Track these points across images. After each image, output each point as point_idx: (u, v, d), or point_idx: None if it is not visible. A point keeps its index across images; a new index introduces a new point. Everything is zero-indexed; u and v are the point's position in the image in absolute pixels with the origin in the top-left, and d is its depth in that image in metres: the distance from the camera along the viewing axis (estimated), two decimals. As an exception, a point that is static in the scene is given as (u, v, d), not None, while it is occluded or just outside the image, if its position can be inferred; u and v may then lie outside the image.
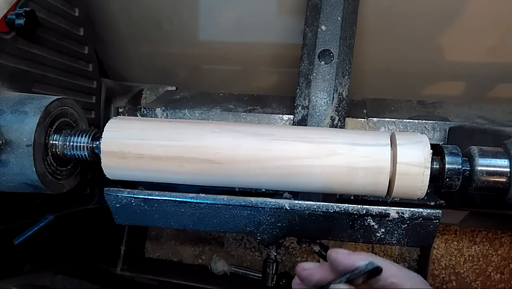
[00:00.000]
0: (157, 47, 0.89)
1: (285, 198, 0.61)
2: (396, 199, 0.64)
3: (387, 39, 0.78)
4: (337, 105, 0.64)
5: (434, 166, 0.48)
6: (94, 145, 0.52)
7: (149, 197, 0.52)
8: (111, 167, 0.51)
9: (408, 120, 0.68)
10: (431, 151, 0.47)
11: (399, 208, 0.49)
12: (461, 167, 0.47)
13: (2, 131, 0.47)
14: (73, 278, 0.91)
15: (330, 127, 0.64)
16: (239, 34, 0.83)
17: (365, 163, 0.47)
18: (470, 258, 1.07)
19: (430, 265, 1.07)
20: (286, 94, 0.79)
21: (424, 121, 0.68)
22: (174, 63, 0.92)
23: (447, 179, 0.48)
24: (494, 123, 0.67)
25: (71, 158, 0.53)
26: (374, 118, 0.69)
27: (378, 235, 0.51)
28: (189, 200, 0.52)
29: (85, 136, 0.52)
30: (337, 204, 0.51)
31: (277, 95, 0.81)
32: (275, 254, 0.75)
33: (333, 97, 0.64)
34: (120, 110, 0.77)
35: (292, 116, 0.69)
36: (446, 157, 0.48)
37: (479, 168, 0.47)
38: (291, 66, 0.78)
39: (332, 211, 0.50)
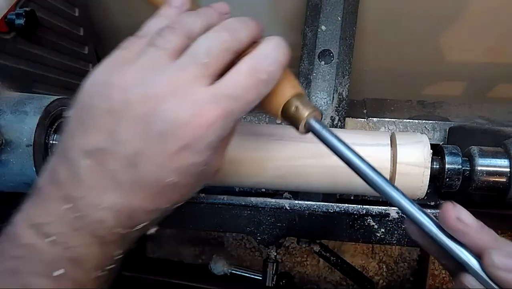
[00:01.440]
0: (157, 47, 0.89)
1: (285, 198, 0.61)
2: (396, 199, 0.64)
3: (387, 39, 0.78)
4: (337, 105, 0.64)
5: (434, 166, 0.48)
6: (94, 145, 0.52)
7: (149, 197, 0.52)
8: (111, 167, 0.51)
9: (408, 120, 0.68)
10: (431, 151, 0.47)
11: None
12: (461, 167, 0.47)
13: (2, 131, 0.47)
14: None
15: (330, 127, 0.64)
16: (239, 34, 0.83)
17: (365, 163, 0.47)
18: (470, 258, 1.06)
19: (430, 265, 1.07)
20: (286, 94, 0.79)
21: (424, 121, 0.68)
22: (174, 63, 0.92)
23: (447, 179, 0.48)
24: (494, 123, 0.67)
25: (71, 158, 0.53)
26: (374, 118, 0.69)
27: (378, 235, 0.51)
28: (188, 200, 0.52)
29: (85, 136, 0.52)
30: (337, 204, 0.51)
31: (277, 95, 0.81)
32: (275, 254, 0.75)
33: (333, 97, 0.64)
34: (120, 110, 0.77)
35: (292, 116, 0.68)
36: (446, 157, 0.48)
37: (479, 168, 0.47)
38: (291, 66, 0.77)
39: (332, 211, 0.50)
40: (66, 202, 0.32)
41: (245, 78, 0.32)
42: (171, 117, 0.31)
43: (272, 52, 0.33)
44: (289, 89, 0.37)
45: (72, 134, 0.34)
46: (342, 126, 0.65)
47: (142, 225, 0.34)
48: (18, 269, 0.32)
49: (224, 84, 0.32)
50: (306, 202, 0.51)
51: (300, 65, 0.66)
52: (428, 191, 0.48)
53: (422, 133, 0.51)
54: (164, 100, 0.31)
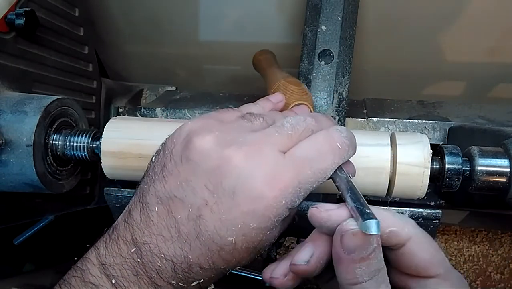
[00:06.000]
0: (157, 47, 0.89)
1: (285, 198, 0.61)
2: (396, 199, 0.64)
3: (387, 39, 0.79)
4: (337, 105, 0.64)
5: (434, 166, 0.48)
6: (94, 145, 0.52)
7: (149, 197, 0.52)
8: (111, 167, 0.51)
9: (408, 120, 0.68)
10: (431, 151, 0.47)
11: (399, 208, 0.49)
12: (461, 167, 0.47)
13: (2, 131, 0.47)
14: (73, 278, 0.91)
15: (330, 127, 0.64)
16: (239, 34, 0.83)
17: (365, 163, 0.47)
18: (470, 258, 1.07)
19: (430, 265, 1.07)
20: (286, 94, 0.79)
21: (424, 121, 0.68)
22: (174, 63, 0.92)
23: (447, 179, 0.48)
24: (494, 123, 0.67)
25: (71, 158, 0.53)
26: (374, 118, 0.69)
27: (378, 235, 0.51)
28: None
29: (85, 136, 0.52)
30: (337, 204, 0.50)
31: (277, 95, 0.81)
32: (275, 254, 0.75)
33: (333, 97, 0.64)
34: (120, 110, 0.77)
35: (292, 116, 0.68)
36: (446, 157, 0.48)
37: (479, 168, 0.47)
38: (291, 66, 0.78)
39: (332, 211, 0.50)
40: (133, 245, 0.33)
41: (321, 142, 0.34)
42: (244, 175, 0.31)
43: (346, 131, 0.35)
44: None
45: (153, 179, 0.35)
46: (342, 126, 0.65)
47: (197, 282, 0.34)
48: None
49: (300, 147, 0.33)
50: (306, 202, 0.50)
51: (300, 65, 0.66)
52: (428, 191, 0.48)
53: (422, 133, 0.51)
54: (241, 158, 0.32)
